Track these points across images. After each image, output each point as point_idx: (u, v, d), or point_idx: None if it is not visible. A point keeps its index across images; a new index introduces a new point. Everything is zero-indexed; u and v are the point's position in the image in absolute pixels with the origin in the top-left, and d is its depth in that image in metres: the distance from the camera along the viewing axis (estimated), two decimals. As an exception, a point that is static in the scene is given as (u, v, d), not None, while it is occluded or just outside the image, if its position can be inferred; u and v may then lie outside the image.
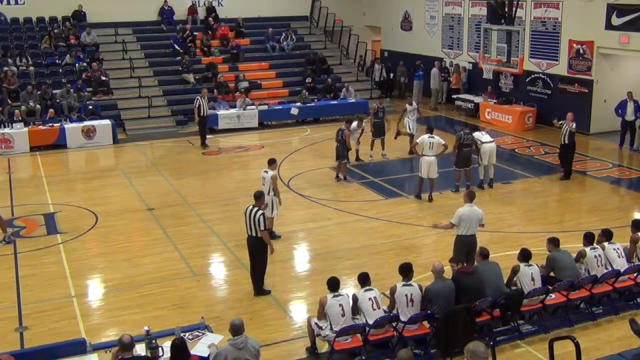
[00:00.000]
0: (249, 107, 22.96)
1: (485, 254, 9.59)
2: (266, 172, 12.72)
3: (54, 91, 22.32)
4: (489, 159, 15.89)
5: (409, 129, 18.90)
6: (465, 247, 10.54)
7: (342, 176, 16.73)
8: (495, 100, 23.32)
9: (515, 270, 9.57)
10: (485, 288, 9.13)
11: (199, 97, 20.49)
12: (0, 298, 10.80)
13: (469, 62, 25.47)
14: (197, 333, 8.28)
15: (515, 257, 9.89)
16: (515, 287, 9.48)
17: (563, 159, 16.79)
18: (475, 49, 24.49)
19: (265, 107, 23.37)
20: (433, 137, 15.17)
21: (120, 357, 7.16)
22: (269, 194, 12.57)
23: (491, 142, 16.03)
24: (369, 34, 30.67)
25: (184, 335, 7.93)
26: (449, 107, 25.66)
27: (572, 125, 16.11)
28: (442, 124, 23.68)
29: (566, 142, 16.31)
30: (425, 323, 8.99)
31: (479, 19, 24.16)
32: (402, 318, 8.70)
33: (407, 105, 19.27)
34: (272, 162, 12.93)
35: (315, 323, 8.69)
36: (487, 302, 8.97)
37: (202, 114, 20.39)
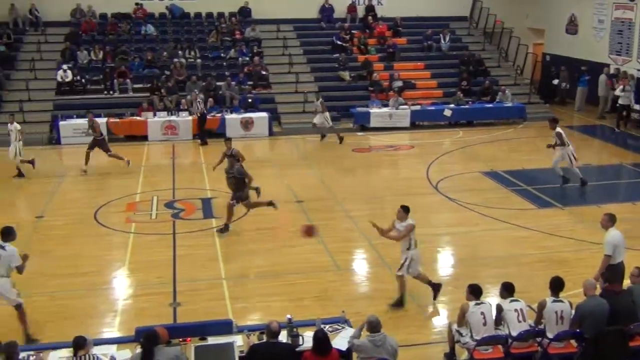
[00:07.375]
0: (401, 106, 22.94)
1: None
2: None
3: (218, 83, 23.53)
4: None
5: (327, 121, 20.69)
6: (618, 275, 9.57)
7: (224, 223, 13.30)
8: (666, 112, 21.65)
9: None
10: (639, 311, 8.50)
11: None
12: (158, 274, 11.57)
13: (638, 70, 23.79)
14: (337, 326, 8.38)
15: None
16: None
17: None
18: (647, 56, 22.86)
19: (417, 107, 23.26)
20: None
21: (264, 340, 7.45)
22: None
23: None
24: (531, 36, 29.51)
25: (324, 327, 8.06)
26: (613, 116, 24.03)
27: None
28: (605, 133, 22.43)
29: None
30: (573, 342, 8.56)
31: (653, 24, 22.54)
32: (549, 334, 8.33)
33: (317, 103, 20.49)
34: None
35: (456, 330, 8.55)
36: (643, 326, 8.37)
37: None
